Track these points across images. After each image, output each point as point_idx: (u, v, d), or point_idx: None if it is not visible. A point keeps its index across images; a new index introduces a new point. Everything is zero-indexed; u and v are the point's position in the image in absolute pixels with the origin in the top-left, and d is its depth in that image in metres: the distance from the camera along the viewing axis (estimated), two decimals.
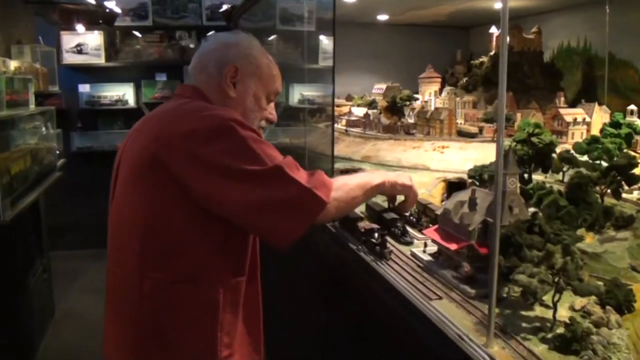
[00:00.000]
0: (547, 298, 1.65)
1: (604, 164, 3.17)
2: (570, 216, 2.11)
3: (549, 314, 1.69)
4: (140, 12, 6.55)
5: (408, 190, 2.09)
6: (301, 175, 1.68)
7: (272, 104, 2.00)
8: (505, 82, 1.43)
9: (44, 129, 4.26)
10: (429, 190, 3.14)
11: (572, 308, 1.75)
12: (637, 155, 3.34)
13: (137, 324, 1.73)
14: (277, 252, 1.77)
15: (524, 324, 1.66)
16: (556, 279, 1.56)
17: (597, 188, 2.42)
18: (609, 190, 2.45)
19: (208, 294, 1.75)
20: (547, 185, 2.60)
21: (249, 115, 1.88)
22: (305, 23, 5.69)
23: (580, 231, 2.22)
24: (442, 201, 3.19)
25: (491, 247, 1.48)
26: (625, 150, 3.24)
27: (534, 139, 2.79)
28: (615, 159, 3.14)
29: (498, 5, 4.91)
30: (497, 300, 1.82)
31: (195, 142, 1.61)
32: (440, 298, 1.83)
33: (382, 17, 6.05)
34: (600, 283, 1.66)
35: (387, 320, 2.03)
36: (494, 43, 4.96)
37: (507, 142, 2.88)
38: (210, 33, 1.89)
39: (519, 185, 1.95)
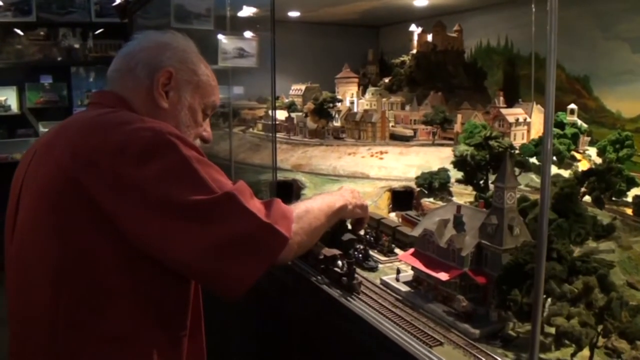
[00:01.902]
0: None
1: (553, 167, 3.02)
2: (561, 230, 1.84)
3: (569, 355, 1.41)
4: (23, 6, 5.77)
5: (366, 210, 1.90)
6: (257, 206, 1.34)
7: (207, 120, 1.65)
8: (554, 82, 1.10)
9: None
10: (374, 202, 2.82)
11: (592, 344, 1.47)
12: (581, 155, 3.23)
13: None
14: (223, 300, 1.37)
15: None
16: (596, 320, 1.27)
17: None
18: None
19: (139, 355, 1.33)
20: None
21: (183, 131, 1.50)
22: (203, 22, 5.27)
23: None
24: (389, 212, 2.88)
25: (535, 286, 1.15)
26: (572, 152, 3.11)
27: (492, 143, 2.54)
28: (565, 160, 3.00)
29: (419, 2, 4.75)
30: (505, 341, 1.52)
31: (126, 161, 1.22)
32: (441, 344, 1.50)
33: (294, 14, 5.71)
34: None
35: None
36: (415, 41, 4.74)
37: (462, 147, 2.61)
38: (139, 34, 1.47)
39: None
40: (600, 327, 1.28)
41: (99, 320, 1.28)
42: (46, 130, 5.42)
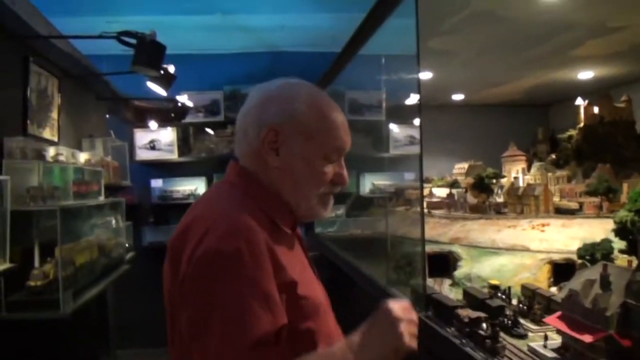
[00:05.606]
0: None
1: None
2: None
3: None
4: (213, 108, 6.57)
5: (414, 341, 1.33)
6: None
7: (340, 162, 1.47)
8: None
9: (113, 221, 4.12)
10: (533, 274, 2.74)
11: None
12: None
13: None
14: None
15: None
16: None
17: None
18: None
19: None
20: None
21: (302, 186, 1.43)
22: (375, 112, 5.59)
23: None
24: (550, 286, 2.77)
25: None
26: None
27: None
28: None
29: (582, 76, 4.64)
30: None
31: (188, 267, 1.27)
32: None
33: (458, 97, 5.85)
34: None
35: None
36: (582, 115, 4.60)
37: (622, 213, 2.48)
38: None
39: None
40: None
41: None
42: None
